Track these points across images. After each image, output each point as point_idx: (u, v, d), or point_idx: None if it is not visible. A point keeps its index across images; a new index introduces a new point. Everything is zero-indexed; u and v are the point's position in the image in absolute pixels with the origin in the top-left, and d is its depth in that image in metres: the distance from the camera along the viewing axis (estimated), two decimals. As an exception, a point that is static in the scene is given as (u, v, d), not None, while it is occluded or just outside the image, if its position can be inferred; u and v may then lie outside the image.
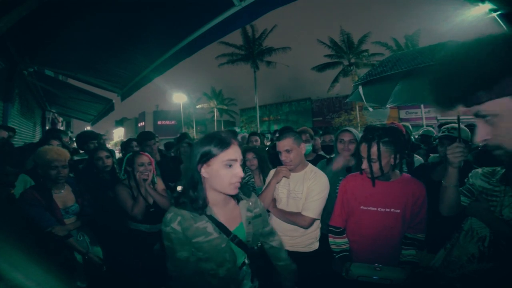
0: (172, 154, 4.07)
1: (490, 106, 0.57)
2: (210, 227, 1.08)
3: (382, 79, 1.91)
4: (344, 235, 1.68)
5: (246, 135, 4.51)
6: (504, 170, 1.42)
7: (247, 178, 2.19)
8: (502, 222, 1.32)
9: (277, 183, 1.88)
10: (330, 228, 1.72)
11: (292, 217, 1.77)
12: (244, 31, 24.19)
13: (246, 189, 1.27)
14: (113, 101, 4.27)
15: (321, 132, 3.35)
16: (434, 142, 4.04)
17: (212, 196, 1.12)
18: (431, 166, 1.99)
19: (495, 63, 0.52)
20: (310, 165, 1.92)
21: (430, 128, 4.67)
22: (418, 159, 2.33)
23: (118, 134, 51.55)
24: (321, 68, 24.10)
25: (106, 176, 2.49)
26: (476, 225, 1.45)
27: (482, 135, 0.62)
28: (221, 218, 1.13)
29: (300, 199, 1.81)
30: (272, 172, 2.01)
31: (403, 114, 22.15)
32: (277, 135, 3.93)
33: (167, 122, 42.80)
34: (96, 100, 4.21)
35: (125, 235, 2.05)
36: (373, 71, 1.73)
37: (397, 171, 1.62)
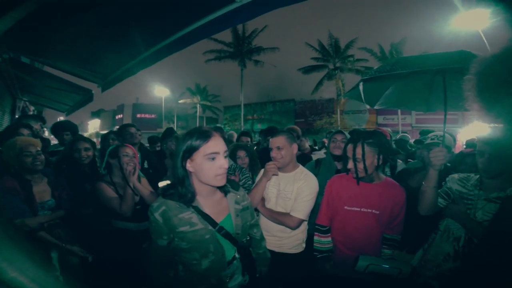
0: (158, 149, 3.94)
1: None
2: (195, 217, 1.11)
3: (381, 80, 1.98)
4: (329, 234, 1.73)
5: (233, 133, 4.46)
6: (478, 176, 1.54)
7: (243, 180, 2.14)
8: (476, 223, 1.43)
9: (268, 180, 1.87)
10: (316, 226, 1.77)
11: (281, 217, 1.77)
12: (234, 28, 23.95)
13: (234, 183, 1.31)
14: (93, 91, 4.07)
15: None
16: (411, 149, 4.26)
17: (199, 188, 1.14)
18: (412, 172, 2.10)
19: None
20: (301, 166, 1.93)
21: (406, 134, 4.93)
22: (400, 163, 2.44)
23: (94, 126, 49.28)
24: (307, 70, 24.41)
25: (86, 169, 2.34)
26: (452, 226, 1.56)
27: None
28: (207, 210, 1.15)
29: (290, 200, 1.81)
30: (262, 171, 1.99)
31: (381, 119, 23.05)
32: (268, 136, 3.91)
33: (147, 116, 41.45)
34: (74, 90, 3.98)
35: (111, 234, 1.94)
36: (382, 69, 1.77)
37: (382, 175, 1.70)
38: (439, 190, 1.60)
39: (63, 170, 2.24)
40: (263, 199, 1.92)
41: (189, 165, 1.10)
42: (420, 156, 2.35)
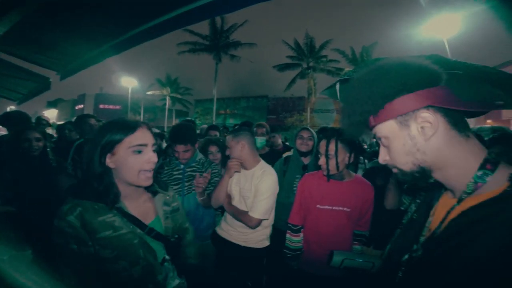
0: None
1: (381, 129, 0.63)
2: (118, 221, 0.96)
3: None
4: (300, 233, 1.75)
5: (205, 126, 4.35)
6: None
7: (212, 175, 2.08)
8: None
9: (230, 178, 1.86)
10: (288, 225, 1.78)
11: (241, 216, 1.78)
12: (213, 21, 23.38)
13: (161, 183, 1.21)
14: (51, 79, 3.71)
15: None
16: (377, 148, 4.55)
17: (123, 188, 1.00)
18: (379, 169, 2.23)
19: (378, 90, 0.58)
20: (261, 162, 1.92)
21: None
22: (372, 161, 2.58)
23: (50, 116, 45.15)
24: (282, 68, 24.75)
25: (36, 162, 2.13)
26: None
27: (382, 156, 0.67)
28: (134, 212, 1.02)
29: (249, 198, 1.82)
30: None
31: (347, 118, 24.21)
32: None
33: (111, 107, 38.88)
34: (29, 77, 3.57)
35: None
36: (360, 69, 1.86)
37: (352, 172, 1.75)
38: (405, 186, 1.73)
39: (7, 164, 1.99)
40: (229, 196, 1.90)
41: (109, 161, 0.95)
42: None
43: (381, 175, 2.13)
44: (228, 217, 1.91)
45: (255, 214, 1.74)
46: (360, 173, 2.56)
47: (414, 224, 0.72)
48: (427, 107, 0.57)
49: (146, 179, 0.98)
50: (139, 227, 1.01)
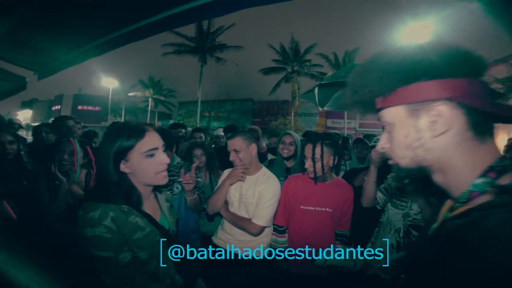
0: (94, 145, 3.63)
1: (387, 114, 0.56)
2: (140, 221, 0.99)
3: (335, 85, 2.12)
4: (285, 234, 1.79)
5: (190, 129, 4.31)
6: None
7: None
8: None
9: (231, 185, 1.79)
10: (274, 226, 1.81)
11: (242, 223, 1.71)
12: (199, 23, 23.16)
13: None
14: (27, 79, 3.55)
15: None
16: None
17: (140, 189, 1.03)
18: (358, 171, 2.34)
19: (395, 70, 0.51)
20: (263, 168, 1.86)
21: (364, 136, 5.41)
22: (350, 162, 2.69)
23: (24, 117, 42.74)
24: (267, 71, 24.96)
25: (9, 166, 2.03)
26: (392, 218, 1.78)
27: (382, 142, 0.60)
28: (148, 211, 1.06)
29: (251, 204, 1.75)
30: (226, 172, 1.91)
31: (329, 122, 24.83)
32: (222, 133, 3.88)
33: (90, 108, 37.43)
34: (2, 77, 3.41)
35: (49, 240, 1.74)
36: (338, 74, 1.93)
37: (333, 174, 1.82)
38: (380, 186, 1.83)
39: None
40: (226, 203, 1.85)
41: (124, 167, 0.97)
42: (361, 156, 2.65)
43: (357, 178, 2.24)
44: (226, 225, 1.83)
45: (259, 221, 1.66)
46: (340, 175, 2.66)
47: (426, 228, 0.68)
48: (447, 99, 0.48)
49: (164, 178, 1.02)
50: (154, 225, 1.04)
